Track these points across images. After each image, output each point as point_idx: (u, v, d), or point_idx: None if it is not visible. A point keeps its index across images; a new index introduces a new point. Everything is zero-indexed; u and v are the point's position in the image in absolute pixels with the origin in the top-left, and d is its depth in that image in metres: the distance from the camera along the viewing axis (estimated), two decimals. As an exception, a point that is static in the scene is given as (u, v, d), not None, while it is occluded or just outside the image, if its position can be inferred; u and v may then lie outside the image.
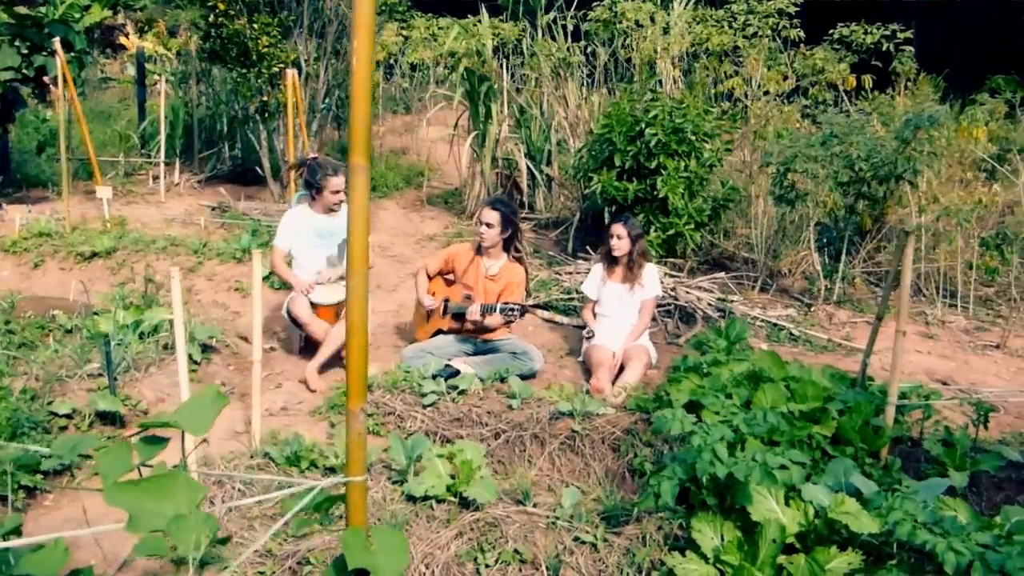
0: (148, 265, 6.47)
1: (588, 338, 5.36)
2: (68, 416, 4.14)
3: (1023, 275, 7.01)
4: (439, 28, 9.41)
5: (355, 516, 1.89)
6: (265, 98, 8.75)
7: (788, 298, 6.97)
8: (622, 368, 5.22)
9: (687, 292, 6.48)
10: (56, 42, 7.64)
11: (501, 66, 9.28)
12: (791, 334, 6.16)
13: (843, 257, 7.00)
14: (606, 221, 7.00)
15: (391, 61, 14.18)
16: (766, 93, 8.60)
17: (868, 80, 8.58)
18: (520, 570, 3.12)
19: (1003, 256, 6.89)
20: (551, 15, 9.40)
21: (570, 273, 7.05)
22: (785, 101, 8.57)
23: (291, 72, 7.77)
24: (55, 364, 4.61)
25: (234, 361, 5.27)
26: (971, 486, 3.88)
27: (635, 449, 4.06)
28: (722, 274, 7.01)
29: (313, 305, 5.23)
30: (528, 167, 8.99)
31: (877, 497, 3.06)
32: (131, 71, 14.90)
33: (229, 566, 2.81)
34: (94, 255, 6.84)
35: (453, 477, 3.50)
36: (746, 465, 2.99)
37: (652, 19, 8.83)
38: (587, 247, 7.53)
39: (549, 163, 9.06)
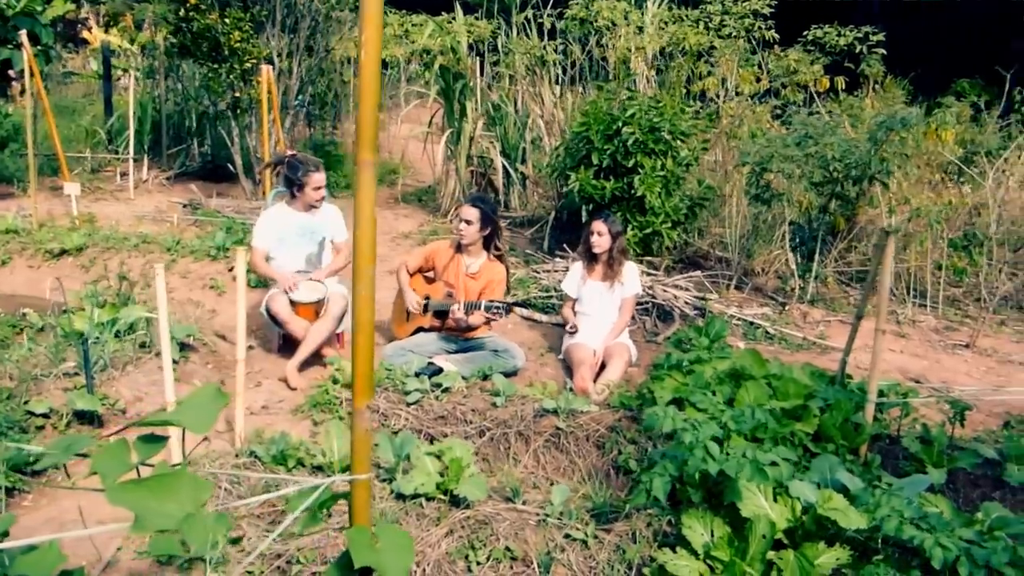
0: (122, 263, 6.37)
1: (572, 333, 5.36)
2: (45, 416, 4.06)
3: (991, 276, 7.14)
4: (413, 25, 9.35)
5: (360, 514, 1.88)
6: (237, 94, 8.65)
7: (762, 297, 7.04)
8: (603, 366, 5.23)
9: (664, 290, 6.52)
10: (23, 35, 7.50)
11: (476, 64, 9.26)
12: (767, 332, 6.22)
13: (816, 257, 7.08)
14: (583, 219, 7.03)
15: (362, 58, 14.04)
16: (739, 93, 8.68)
17: (841, 82, 8.69)
18: (511, 567, 3.12)
19: (971, 257, 7.02)
20: (526, 13, 9.40)
21: (548, 271, 7.07)
22: (757, 102, 8.66)
23: (266, 68, 7.69)
24: (29, 363, 4.52)
25: (212, 359, 5.21)
26: (948, 483, 3.95)
27: (619, 446, 4.07)
28: (698, 273, 7.06)
29: (292, 303, 5.18)
30: (503, 165, 8.99)
31: (864, 493, 3.10)
32: (94, 66, 14.66)
33: (222, 566, 2.77)
34: (63, 252, 6.73)
35: (442, 475, 3.48)
36: (736, 462, 3.02)
37: (626, 18, 8.86)
38: (564, 245, 7.54)
39: (524, 161, 9.07)
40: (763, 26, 8.56)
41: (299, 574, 3.02)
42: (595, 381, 5.05)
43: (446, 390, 4.60)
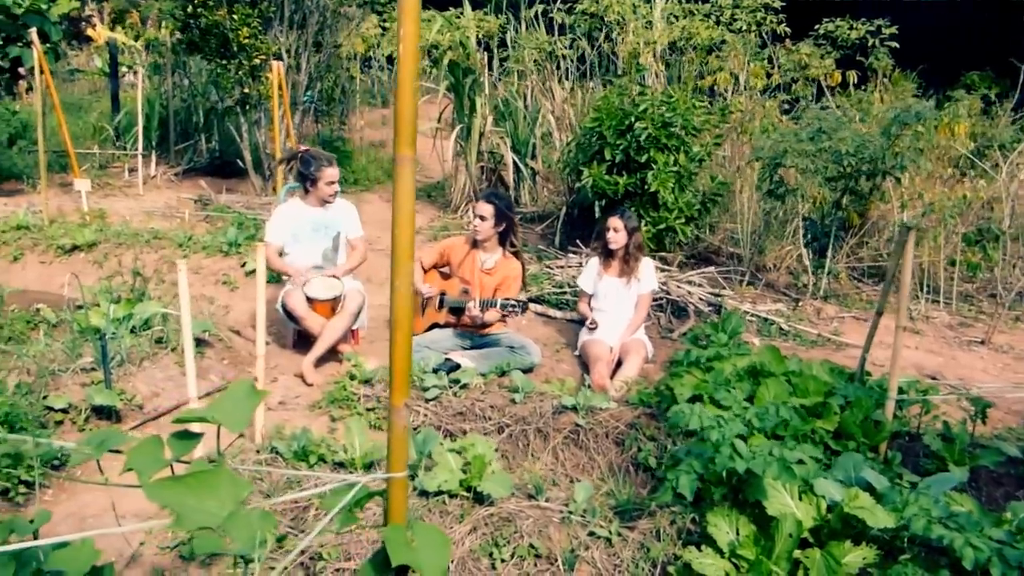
0: (136, 258, 6.36)
1: (592, 329, 5.33)
2: (64, 411, 4.05)
3: (1006, 271, 7.11)
4: (421, 20, 9.34)
5: (396, 513, 1.87)
6: (246, 90, 8.63)
7: (775, 293, 7.02)
8: (619, 363, 5.21)
9: (678, 286, 6.50)
10: (33, 32, 7.49)
11: (485, 59, 9.24)
12: (781, 329, 6.19)
13: (829, 252, 7.05)
14: (596, 215, 7.00)
15: (369, 54, 14.08)
16: (748, 88, 8.65)
17: (853, 76, 8.66)
18: (536, 565, 3.10)
19: (985, 252, 6.99)
20: (535, 8, 9.38)
21: (561, 267, 7.04)
22: (770, 96, 8.62)
23: (277, 64, 7.67)
24: (46, 358, 4.51)
25: (228, 355, 5.20)
26: (971, 481, 3.92)
27: (639, 443, 4.05)
28: (711, 269, 7.04)
29: (309, 300, 5.17)
30: (514, 161, 8.96)
31: (891, 492, 3.07)
32: (98, 63, 14.65)
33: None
34: (75, 248, 6.71)
35: (464, 472, 3.47)
36: (763, 460, 3.00)
37: (635, 11, 8.84)
38: (576, 241, 7.52)
39: (534, 157, 9.05)
40: (774, 20, 8.52)
41: (322, 571, 3.01)
42: (612, 377, 5.03)
43: (464, 386, 4.59)
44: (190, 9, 8.29)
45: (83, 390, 4.23)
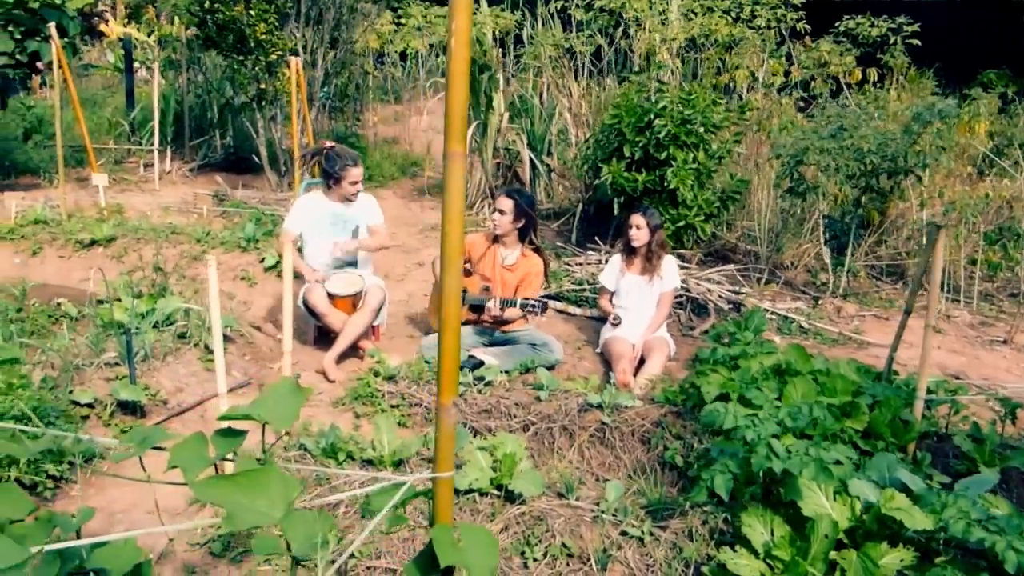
0: (157, 253, 6.35)
1: (615, 324, 5.29)
2: (89, 406, 4.05)
3: (1028, 270, 7.07)
4: (436, 16, 9.31)
5: (443, 513, 1.84)
6: (262, 86, 8.62)
7: (794, 291, 6.98)
8: (642, 360, 5.19)
9: (698, 284, 6.47)
10: (51, 27, 7.48)
11: (501, 56, 9.21)
12: (801, 327, 6.16)
13: (849, 250, 7.01)
14: (615, 212, 6.97)
15: (383, 50, 14.05)
16: (767, 86, 8.61)
17: (873, 73, 8.61)
18: (568, 564, 3.08)
19: (1006, 251, 6.94)
20: (552, 4, 9.35)
21: (580, 264, 7.02)
22: (787, 94, 8.58)
23: (295, 60, 7.65)
24: (71, 353, 4.50)
25: (249, 351, 5.19)
26: (1001, 483, 3.88)
27: (665, 442, 4.02)
28: (731, 266, 7.01)
29: (330, 296, 5.15)
30: (530, 158, 8.94)
31: (928, 493, 3.04)
32: (111, 58, 14.65)
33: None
34: (93, 243, 6.71)
35: (494, 470, 3.45)
36: (800, 460, 2.97)
37: (651, 7, 8.80)
38: (595, 238, 7.49)
39: (550, 153, 9.02)
40: (794, 16, 8.48)
41: (354, 568, 3.00)
42: (635, 375, 5.00)
43: (488, 384, 4.57)
44: (207, 5, 8.28)
45: (108, 385, 4.23)
